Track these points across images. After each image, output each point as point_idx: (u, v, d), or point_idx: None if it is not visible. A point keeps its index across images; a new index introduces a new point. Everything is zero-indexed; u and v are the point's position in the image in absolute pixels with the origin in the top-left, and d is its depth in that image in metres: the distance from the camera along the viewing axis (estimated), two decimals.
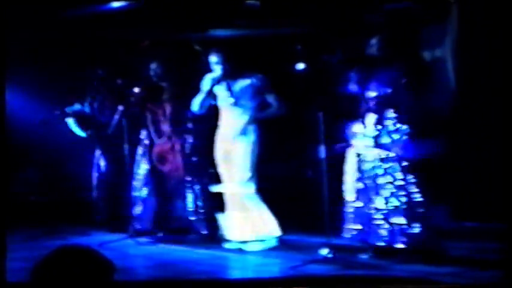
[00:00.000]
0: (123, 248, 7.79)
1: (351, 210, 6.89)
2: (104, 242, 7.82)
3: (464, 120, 7.72)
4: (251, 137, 7.51)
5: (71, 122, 9.21)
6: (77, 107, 9.25)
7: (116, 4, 8.78)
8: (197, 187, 8.21)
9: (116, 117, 8.81)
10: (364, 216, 6.80)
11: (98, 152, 9.21)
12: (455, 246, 6.84)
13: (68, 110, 9.21)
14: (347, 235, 6.92)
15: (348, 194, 6.92)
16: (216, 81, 7.55)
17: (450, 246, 6.73)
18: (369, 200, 6.76)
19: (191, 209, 8.20)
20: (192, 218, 8.19)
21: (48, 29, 9.15)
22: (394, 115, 6.73)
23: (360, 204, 6.83)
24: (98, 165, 9.21)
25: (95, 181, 9.23)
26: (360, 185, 6.83)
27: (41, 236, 8.27)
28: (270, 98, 7.53)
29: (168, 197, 8.41)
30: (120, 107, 8.63)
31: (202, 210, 8.17)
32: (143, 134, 8.67)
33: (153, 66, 8.49)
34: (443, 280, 5.80)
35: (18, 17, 8.44)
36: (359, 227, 6.83)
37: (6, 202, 6.36)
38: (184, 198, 8.25)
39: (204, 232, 8.13)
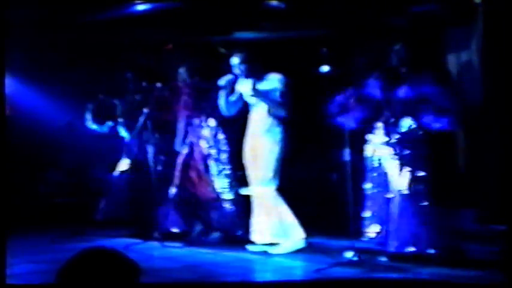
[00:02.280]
0: (149, 250, 7.81)
1: (369, 214, 6.91)
2: (129, 244, 7.85)
3: (490, 123, 7.68)
4: (277, 137, 7.54)
5: (88, 112, 9.22)
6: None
7: (141, 7, 8.81)
8: (224, 189, 8.21)
9: (141, 119, 8.83)
10: (384, 220, 6.81)
11: (124, 154, 9.26)
12: (480, 250, 6.81)
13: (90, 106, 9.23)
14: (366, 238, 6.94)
15: (368, 198, 6.94)
16: (231, 83, 7.61)
17: (474, 249, 6.71)
18: (389, 204, 6.77)
19: (216, 212, 8.21)
20: (217, 221, 8.20)
21: (74, 33, 9.22)
22: (419, 120, 6.72)
23: (379, 207, 6.83)
24: (125, 168, 9.26)
25: (121, 183, 9.27)
26: (379, 190, 6.85)
27: (66, 238, 8.30)
28: (280, 98, 7.54)
29: (195, 199, 8.43)
30: (145, 110, 8.64)
31: (227, 213, 8.18)
32: (169, 137, 8.70)
33: (180, 69, 8.52)
34: (469, 283, 5.77)
35: (45, 22, 8.51)
36: (378, 229, 6.85)
37: (7, 207, 6.38)
38: (211, 200, 8.26)
39: (230, 234, 8.13)
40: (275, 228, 7.54)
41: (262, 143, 7.58)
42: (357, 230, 6.91)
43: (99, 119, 9.23)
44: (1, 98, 6.01)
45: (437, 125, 6.63)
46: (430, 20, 8.06)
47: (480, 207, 7.80)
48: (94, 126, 9.24)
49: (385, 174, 6.83)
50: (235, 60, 7.63)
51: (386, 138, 6.83)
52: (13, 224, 6.42)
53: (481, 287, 5.77)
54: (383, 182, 6.84)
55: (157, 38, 9.38)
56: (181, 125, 8.51)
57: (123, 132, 9.22)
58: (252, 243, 7.66)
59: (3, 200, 5.89)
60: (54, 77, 9.92)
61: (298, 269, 6.95)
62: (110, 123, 9.26)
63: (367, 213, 6.95)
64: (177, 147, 8.58)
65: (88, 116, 9.23)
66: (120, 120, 9.22)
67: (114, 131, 9.29)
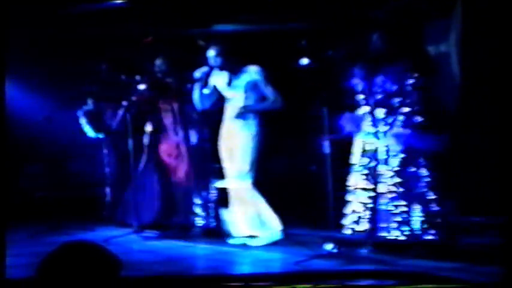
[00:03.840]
0: (128, 244, 7.80)
1: (354, 204, 6.92)
2: (109, 237, 7.83)
3: (469, 114, 7.71)
4: (252, 131, 7.51)
5: (83, 122, 9.23)
6: (89, 106, 9.26)
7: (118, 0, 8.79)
8: (201, 183, 8.21)
9: (120, 112, 8.81)
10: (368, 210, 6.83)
11: (104, 148, 9.24)
12: (462, 241, 6.85)
13: (82, 109, 9.23)
14: (347, 231, 6.94)
15: (351, 188, 6.95)
16: (206, 75, 7.57)
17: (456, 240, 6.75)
18: (373, 194, 6.79)
19: (195, 205, 8.21)
20: (196, 214, 8.20)
21: (52, 26, 9.16)
22: (398, 110, 6.74)
23: (364, 199, 6.85)
24: (104, 161, 9.25)
25: (101, 177, 9.27)
26: (364, 179, 6.86)
27: (46, 232, 8.27)
28: (267, 91, 7.50)
29: (172, 192, 8.42)
30: (124, 103, 8.62)
31: (206, 206, 8.18)
32: (147, 130, 8.69)
33: (158, 61, 8.50)
34: (448, 275, 5.79)
35: (21, 15, 8.45)
36: (363, 222, 6.86)
37: (6, 199, 6.35)
38: (188, 194, 8.26)
39: (209, 227, 8.14)
40: (252, 221, 7.55)
41: (238, 136, 7.55)
42: (336, 222, 6.93)
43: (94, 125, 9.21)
44: (1, 97, 5.99)
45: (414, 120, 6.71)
46: (409, 12, 8.07)
47: (460, 199, 7.82)
48: (92, 134, 9.23)
49: (372, 166, 6.85)
50: (211, 52, 7.58)
51: (373, 130, 6.84)
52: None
53: (460, 282, 5.79)
54: (370, 173, 6.86)
55: (136, 31, 9.34)
56: (159, 117, 8.50)
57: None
58: (232, 236, 7.66)
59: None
60: (32, 70, 9.86)
61: (278, 261, 6.96)
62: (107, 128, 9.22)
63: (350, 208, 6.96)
64: (156, 138, 8.59)
65: (86, 126, 9.22)
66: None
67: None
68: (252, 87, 7.49)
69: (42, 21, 9.00)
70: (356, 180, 6.92)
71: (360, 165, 6.90)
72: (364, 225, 6.85)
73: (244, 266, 6.93)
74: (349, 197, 6.95)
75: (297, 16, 8.80)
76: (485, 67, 7.43)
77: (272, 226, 7.53)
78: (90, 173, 9.94)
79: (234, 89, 7.55)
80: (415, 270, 6.07)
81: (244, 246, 7.46)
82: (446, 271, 5.91)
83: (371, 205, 6.79)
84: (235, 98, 7.56)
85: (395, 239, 6.70)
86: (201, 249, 7.55)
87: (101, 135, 9.24)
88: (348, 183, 6.98)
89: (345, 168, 7.05)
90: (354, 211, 6.90)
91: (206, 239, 7.90)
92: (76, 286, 2.59)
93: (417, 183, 6.70)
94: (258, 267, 6.77)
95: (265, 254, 7.15)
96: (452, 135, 7.18)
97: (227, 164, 7.71)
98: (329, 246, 6.77)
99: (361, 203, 6.86)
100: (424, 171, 6.71)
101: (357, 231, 6.88)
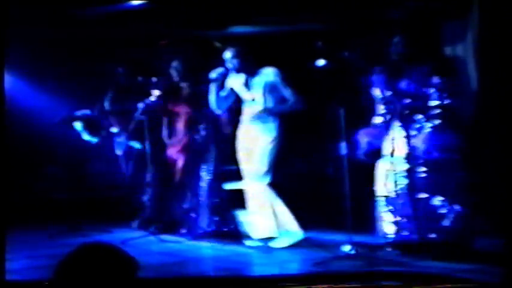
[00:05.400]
0: (146, 245, 7.80)
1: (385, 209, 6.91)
2: (126, 239, 7.83)
3: (486, 118, 7.67)
4: (272, 133, 7.49)
5: (78, 126, 9.25)
6: (85, 111, 9.28)
7: (134, 2, 8.79)
8: (219, 185, 8.22)
9: (136, 114, 8.82)
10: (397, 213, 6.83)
11: (119, 150, 9.27)
12: (480, 243, 6.82)
13: (76, 114, 9.25)
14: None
15: (379, 193, 6.94)
16: (222, 76, 7.56)
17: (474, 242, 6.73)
18: (399, 198, 6.78)
19: (210, 207, 8.21)
20: (212, 216, 8.20)
21: (69, 28, 9.19)
22: (416, 114, 6.73)
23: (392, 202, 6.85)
24: (121, 164, 9.28)
25: (118, 179, 9.31)
26: (392, 184, 6.85)
27: (63, 234, 8.29)
28: (286, 93, 7.48)
29: (187, 194, 8.43)
30: (140, 105, 8.63)
31: (222, 208, 8.18)
32: (163, 131, 8.71)
33: (174, 64, 8.51)
34: (467, 277, 5.77)
35: (38, 16, 8.48)
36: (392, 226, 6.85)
37: (6, 201, 6.37)
38: (203, 196, 8.27)
39: (225, 229, 8.13)
40: (270, 222, 7.51)
41: (258, 139, 7.53)
42: (353, 224, 6.91)
43: (92, 131, 9.24)
44: (1, 97, 6.01)
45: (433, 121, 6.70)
46: (426, 13, 8.05)
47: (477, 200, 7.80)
48: (87, 137, 9.27)
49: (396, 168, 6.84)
50: (227, 54, 7.57)
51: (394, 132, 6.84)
52: (11, 220, 6.40)
53: (478, 282, 5.76)
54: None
55: (153, 33, 9.36)
56: (176, 118, 8.52)
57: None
58: (249, 237, 7.64)
59: (2, 196, 5.88)
60: (51, 72, 9.89)
61: (296, 262, 6.96)
62: (102, 133, 9.26)
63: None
64: (167, 140, 8.62)
65: (81, 130, 9.27)
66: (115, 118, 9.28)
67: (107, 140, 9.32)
68: (271, 89, 7.46)
69: (59, 22, 9.02)
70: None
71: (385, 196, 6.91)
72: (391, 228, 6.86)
73: (262, 268, 6.92)
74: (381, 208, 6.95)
75: (313, 17, 8.78)
76: (503, 68, 7.39)
77: (291, 227, 7.50)
78: (109, 175, 9.95)
79: (252, 91, 7.54)
80: (433, 271, 6.05)
81: (264, 247, 7.42)
82: (464, 273, 5.89)
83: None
84: (254, 100, 7.54)
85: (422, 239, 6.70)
86: (220, 250, 7.54)
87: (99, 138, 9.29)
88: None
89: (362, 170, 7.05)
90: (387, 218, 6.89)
91: (224, 240, 7.89)
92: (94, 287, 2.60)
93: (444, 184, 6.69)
94: (276, 268, 6.76)
95: (283, 256, 7.14)
96: (470, 137, 7.16)
97: (244, 166, 7.69)
98: (346, 248, 6.76)
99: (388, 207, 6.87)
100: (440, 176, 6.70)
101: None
